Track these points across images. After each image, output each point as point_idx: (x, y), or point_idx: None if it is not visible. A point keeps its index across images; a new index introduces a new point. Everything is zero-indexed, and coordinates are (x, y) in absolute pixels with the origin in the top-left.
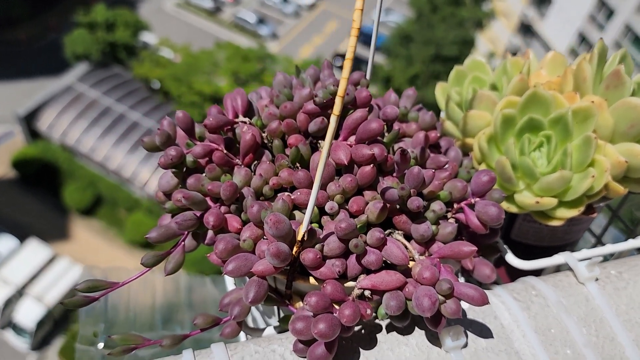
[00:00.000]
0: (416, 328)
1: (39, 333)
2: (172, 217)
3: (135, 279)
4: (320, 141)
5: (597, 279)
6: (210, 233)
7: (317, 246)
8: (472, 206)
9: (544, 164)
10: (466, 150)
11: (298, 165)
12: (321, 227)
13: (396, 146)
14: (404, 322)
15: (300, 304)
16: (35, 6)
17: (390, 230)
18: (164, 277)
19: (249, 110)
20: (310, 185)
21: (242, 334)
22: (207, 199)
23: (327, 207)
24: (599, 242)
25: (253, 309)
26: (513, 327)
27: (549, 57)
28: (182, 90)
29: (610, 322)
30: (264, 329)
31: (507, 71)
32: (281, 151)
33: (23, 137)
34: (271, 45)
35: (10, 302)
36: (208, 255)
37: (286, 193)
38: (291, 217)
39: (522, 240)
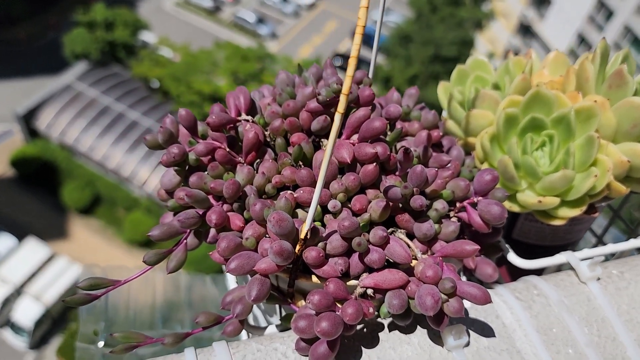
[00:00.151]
0: (418, 327)
1: (37, 332)
2: (174, 215)
3: (137, 277)
4: (322, 139)
5: (598, 279)
6: (212, 231)
7: (320, 244)
8: (474, 205)
9: (547, 164)
10: (468, 150)
11: (301, 163)
12: (324, 225)
13: (399, 145)
14: (406, 321)
15: (302, 303)
16: (34, 5)
17: (392, 229)
18: (164, 276)
19: (252, 109)
20: (313, 184)
21: (243, 333)
22: (210, 197)
23: (329, 206)
24: (600, 241)
25: (255, 307)
26: (515, 327)
27: (551, 57)
28: (181, 90)
29: (611, 321)
30: (265, 328)
31: (510, 70)
32: (284, 149)
33: (22, 136)
34: (270, 45)
35: (9, 301)
36: (210, 253)
37: (289, 191)
38: (294, 215)
39: (524, 239)
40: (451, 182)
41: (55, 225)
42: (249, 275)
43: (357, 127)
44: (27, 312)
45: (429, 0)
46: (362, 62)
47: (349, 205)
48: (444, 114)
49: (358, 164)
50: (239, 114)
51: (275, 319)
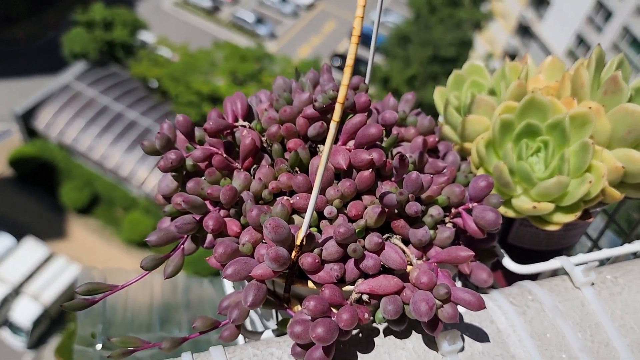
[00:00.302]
0: (413, 332)
1: (35, 332)
2: (172, 220)
3: (135, 282)
4: (319, 145)
5: (592, 284)
6: (209, 236)
7: (316, 250)
8: (469, 211)
9: (542, 169)
10: (464, 155)
11: (297, 169)
12: (320, 231)
13: (395, 151)
14: (401, 326)
15: (298, 308)
16: (33, 5)
17: (388, 235)
18: (161, 278)
19: (249, 114)
20: (309, 190)
21: (240, 337)
22: (207, 202)
23: (325, 212)
24: (596, 246)
25: (251, 311)
26: (509, 332)
27: (547, 62)
28: (180, 90)
29: (605, 327)
30: (262, 332)
31: (506, 76)
32: (280, 155)
33: (20, 136)
34: (269, 45)
35: (7, 301)
36: (207, 258)
37: (285, 197)
38: (290, 221)
39: (519, 244)
40: (446, 188)
41: (54, 225)
42: (245, 280)
43: (353, 133)
44: (25, 312)
45: (428, 0)
46: (360, 62)
47: (345, 211)
48: (441, 118)
49: (354, 170)
50: (236, 120)
51: (272, 323)
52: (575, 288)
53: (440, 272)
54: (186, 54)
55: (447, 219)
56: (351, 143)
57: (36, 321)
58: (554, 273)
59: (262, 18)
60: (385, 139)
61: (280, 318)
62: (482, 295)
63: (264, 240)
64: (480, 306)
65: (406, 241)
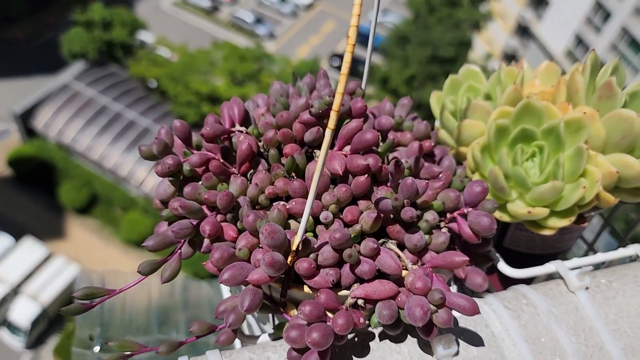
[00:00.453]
0: (408, 336)
1: (33, 332)
2: (169, 224)
3: (132, 286)
4: (315, 150)
5: (587, 288)
6: (206, 241)
7: (312, 256)
8: (464, 216)
9: (537, 174)
10: (460, 159)
11: (293, 174)
12: (316, 236)
13: (391, 156)
14: (396, 331)
15: (294, 312)
16: (32, 4)
17: (383, 240)
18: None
19: (246, 119)
20: (305, 195)
21: (237, 341)
22: (204, 207)
23: (321, 217)
24: (591, 249)
25: (248, 315)
26: (504, 336)
27: (543, 67)
28: (179, 90)
29: (599, 331)
30: (258, 336)
31: (501, 81)
32: (277, 160)
33: (19, 136)
34: (268, 45)
35: (5, 301)
36: (204, 263)
37: (281, 202)
38: (286, 226)
39: (515, 248)
40: (442, 193)
41: (52, 225)
42: (242, 285)
43: (349, 138)
44: (23, 312)
45: (427, 1)
46: (358, 62)
47: (341, 216)
48: (437, 123)
49: (350, 176)
50: (233, 125)
51: (269, 327)
52: (569, 292)
53: (435, 277)
54: (185, 54)
55: (442, 224)
56: (347, 148)
57: (34, 321)
58: (549, 277)
59: (261, 18)
60: (381, 144)
61: (276, 322)
62: (476, 299)
63: (260, 245)
64: (474, 311)
65: (401, 246)
